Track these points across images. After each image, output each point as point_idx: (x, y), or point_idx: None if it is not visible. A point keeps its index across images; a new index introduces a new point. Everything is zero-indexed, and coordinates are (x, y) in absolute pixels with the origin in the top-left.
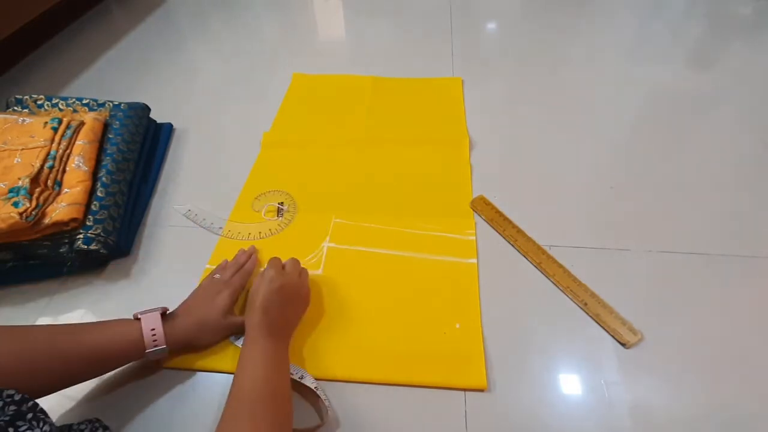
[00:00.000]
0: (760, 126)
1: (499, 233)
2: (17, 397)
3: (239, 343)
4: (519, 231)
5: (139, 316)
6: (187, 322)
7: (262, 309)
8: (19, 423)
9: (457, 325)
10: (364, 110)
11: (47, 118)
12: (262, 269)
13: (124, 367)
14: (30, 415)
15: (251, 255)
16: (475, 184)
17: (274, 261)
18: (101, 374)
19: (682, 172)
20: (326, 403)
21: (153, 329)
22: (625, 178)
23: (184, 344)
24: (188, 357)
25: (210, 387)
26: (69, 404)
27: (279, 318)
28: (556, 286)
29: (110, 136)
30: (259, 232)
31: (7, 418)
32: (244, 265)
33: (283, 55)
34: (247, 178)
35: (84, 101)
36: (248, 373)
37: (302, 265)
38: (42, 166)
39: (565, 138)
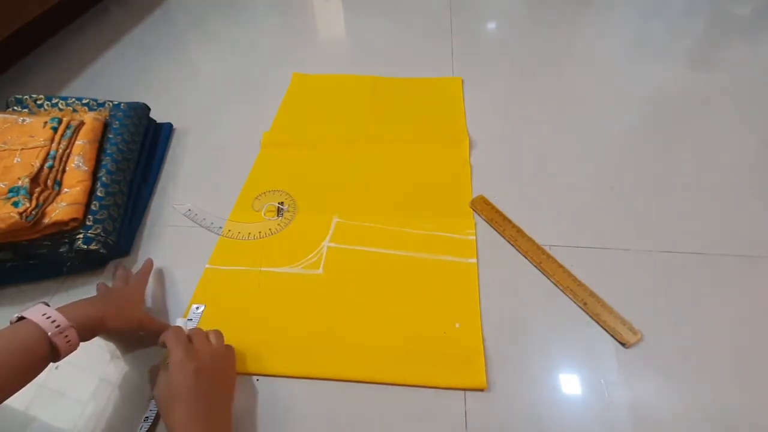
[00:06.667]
0: (759, 126)
1: (499, 233)
2: None
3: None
4: (519, 231)
5: (20, 314)
6: (82, 302)
7: (185, 403)
8: None
9: (457, 325)
10: (364, 110)
11: (47, 118)
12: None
13: (123, 366)
14: None
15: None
16: (475, 184)
17: (175, 338)
18: (8, 393)
19: (682, 171)
20: None
21: (44, 313)
22: (625, 178)
23: (90, 319)
24: None
25: None
26: (68, 404)
27: (206, 407)
28: (556, 286)
29: (110, 135)
30: (259, 232)
31: None
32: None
33: (283, 55)
34: (247, 178)
35: (84, 101)
36: None
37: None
38: (42, 166)
39: (565, 138)
